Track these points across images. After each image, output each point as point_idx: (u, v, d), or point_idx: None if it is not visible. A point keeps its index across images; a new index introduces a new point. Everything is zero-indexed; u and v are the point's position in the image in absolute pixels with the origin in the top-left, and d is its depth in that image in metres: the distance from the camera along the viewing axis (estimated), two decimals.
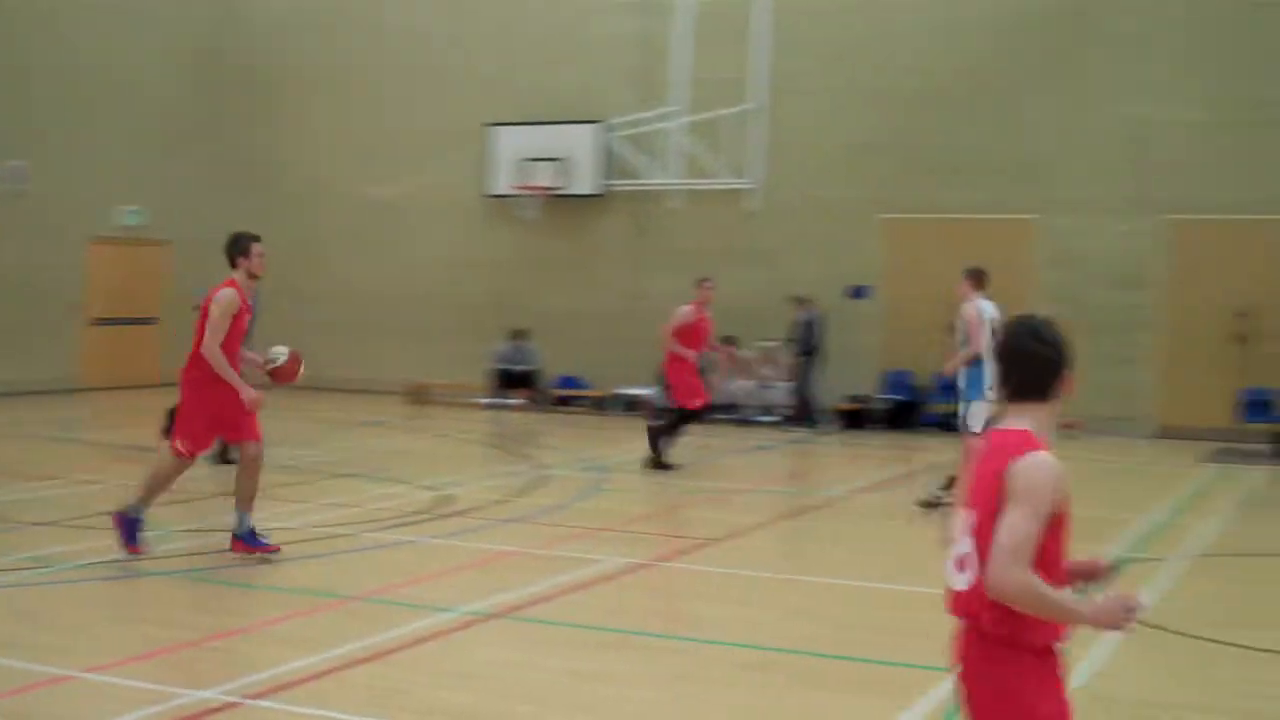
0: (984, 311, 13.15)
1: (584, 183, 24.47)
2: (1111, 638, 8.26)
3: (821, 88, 23.31)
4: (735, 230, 23.73)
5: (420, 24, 26.29)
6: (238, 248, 10.17)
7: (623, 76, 24.61)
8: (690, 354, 15.92)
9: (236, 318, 9.95)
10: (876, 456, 19.09)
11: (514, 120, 24.91)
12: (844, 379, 22.35)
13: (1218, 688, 7.43)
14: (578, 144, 24.42)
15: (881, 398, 22.18)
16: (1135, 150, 21.55)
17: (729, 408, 22.41)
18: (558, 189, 24.58)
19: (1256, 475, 17.26)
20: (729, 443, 19.66)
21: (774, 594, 9.82)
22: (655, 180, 24.19)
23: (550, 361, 23.97)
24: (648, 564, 10.30)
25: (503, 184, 24.97)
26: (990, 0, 22.54)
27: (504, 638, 8.17)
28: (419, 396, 24.46)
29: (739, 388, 22.63)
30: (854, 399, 22.27)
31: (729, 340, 22.67)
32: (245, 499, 10.05)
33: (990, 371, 13.10)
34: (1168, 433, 20.85)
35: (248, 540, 10.05)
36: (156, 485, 10.13)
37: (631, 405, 23.22)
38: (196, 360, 9.94)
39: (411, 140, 26.18)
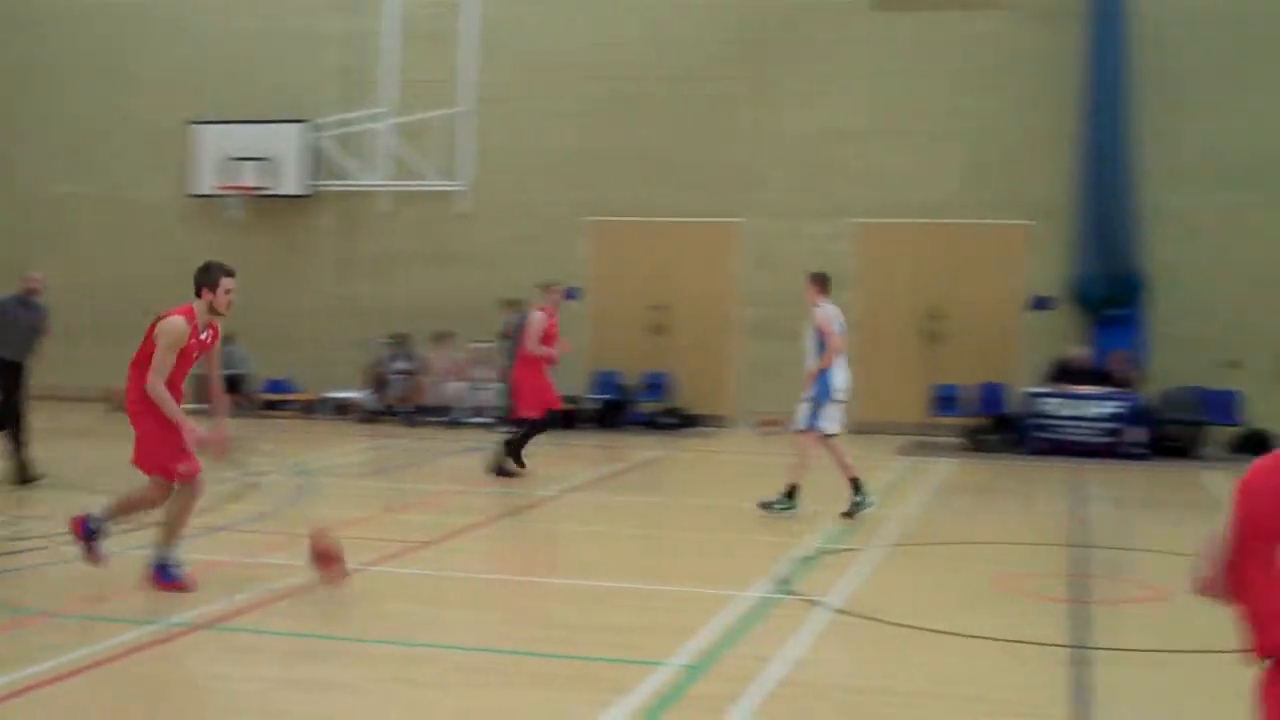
0: (832, 314, 13.21)
1: (290, 183, 24.11)
2: (810, 626, 8.64)
3: (530, 91, 23.53)
4: (446, 232, 23.75)
5: (122, 18, 25.46)
6: (206, 278, 9.31)
7: (331, 76, 24.35)
8: (552, 352, 15.91)
9: (185, 350, 9.19)
10: (587, 456, 19.36)
11: (218, 119, 24.36)
12: (554, 379, 22.53)
13: (914, 672, 7.82)
14: (284, 143, 24.06)
15: (591, 397, 22.50)
16: (830, 156, 22.45)
17: (441, 410, 22.42)
18: (264, 189, 24.17)
19: (946, 467, 18.17)
20: (441, 445, 19.67)
21: (489, 595, 9.91)
22: (364, 181, 24.01)
23: (257, 365, 23.53)
24: (361, 568, 10.25)
25: (207, 183, 24.41)
26: (694, 11, 23.13)
27: (214, 649, 8.04)
28: (122, 403, 23.68)
29: (451, 389, 22.64)
30: (564, 399, 22.46)
31: (446, 335, 22.71)
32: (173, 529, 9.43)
33: (841, 374, 13.28)
34: (865, 428, 21.72)
35: (162, 574, 9.35)
36: (129, 510, 9.47)
37: (342, 408, 22.99)
38: (134, 392, 9.30)
39: (111, 138, 25.36)
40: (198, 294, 9.37)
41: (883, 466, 18.06)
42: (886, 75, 22.44)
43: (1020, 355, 21.47)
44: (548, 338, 15.97)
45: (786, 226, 22.59)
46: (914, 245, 22.15)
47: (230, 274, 9.41)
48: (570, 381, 22.69)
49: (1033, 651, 8.28)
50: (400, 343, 23.04)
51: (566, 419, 22.33)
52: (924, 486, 16.18)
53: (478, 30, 23.54)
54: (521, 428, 16.19)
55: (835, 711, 6.99)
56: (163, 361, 9.11)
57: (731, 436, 21.87)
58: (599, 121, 23.31)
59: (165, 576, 9.29)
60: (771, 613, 9.09)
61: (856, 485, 13.22)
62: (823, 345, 13.12)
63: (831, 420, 13.21)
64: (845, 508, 13.19)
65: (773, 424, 21.78)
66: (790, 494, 13.27)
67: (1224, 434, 20.45)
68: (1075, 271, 21.55)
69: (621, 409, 22.38)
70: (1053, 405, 19.76)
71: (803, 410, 13.24)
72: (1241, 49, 21.45)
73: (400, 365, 22.96)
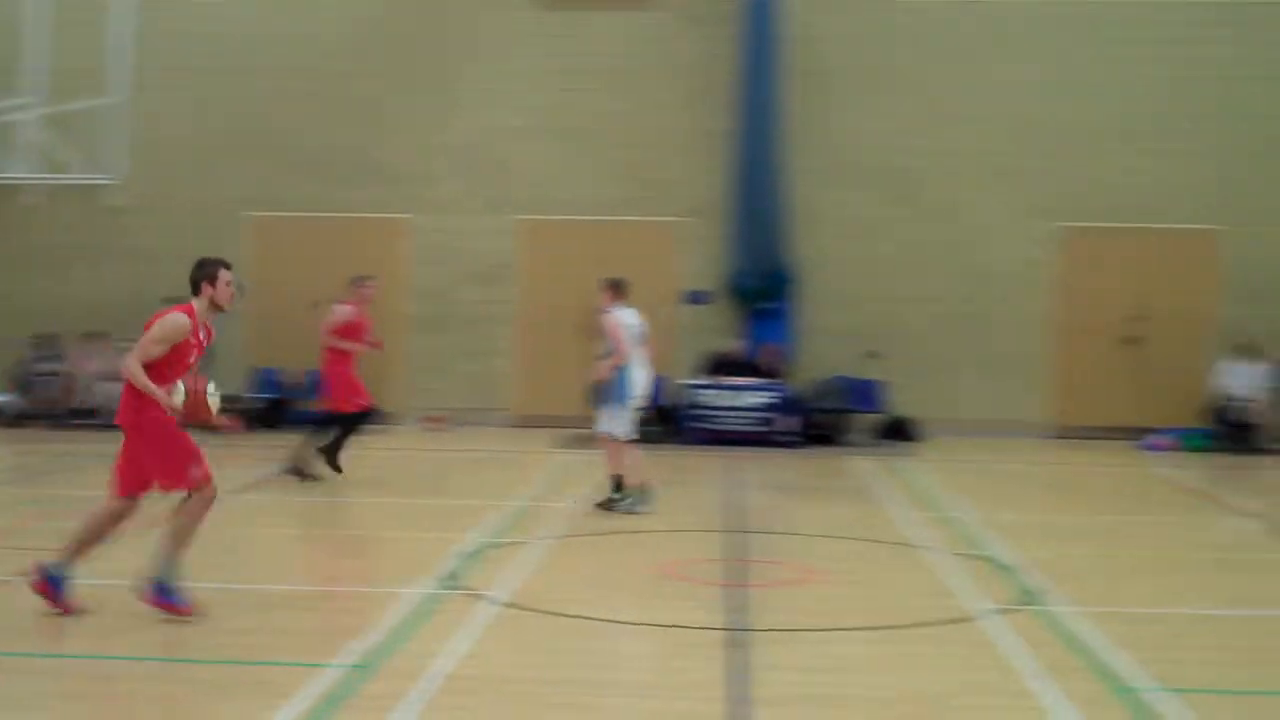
0: (624, 320, 13.56)
1: None
2: (477, 620, 8.76)
3: (190, 82, 22.90)
4: (99, 227, 22.89)
5: None
6: (204, 273, 8.87)
7: None
8: (352, 346, 15.48)
9: (180, 347, 8.67)
10: (249, 456, 18.97)
11: None
12: (213, 378, 22.01)
13: (580, 661, 8.02)
14: None
15: (251, 396, 22.05)
16: (495, 153, 22.64)
17: (89, 413, 21.58)
18: None
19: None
20: (93, 448, 18.92)
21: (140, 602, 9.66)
22: (7, 174, 22.88)
23: None
24: (9, 580, 9.86)
25: None
26: (362, 3, 22.97)
27: None
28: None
29: (103, 391, 21.82)
30: (224, 398, 21.89)
31: (98, 335, 21.84)
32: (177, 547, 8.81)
33: (638, 379, 13.61)
34: (527, 421, 22.00)
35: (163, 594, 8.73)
36: (91, 539, 8.95)
37: None
38: (133, 398, 8.73)
39: None
40: (196, 291, 8.91)
41: (544, 460, 18.33)
42: (548, 73, 22.74)
43: (678, 348, 22.06)
44: (352, 331, 15.63)
45: (453, 223, 22.65)
46: (575, 242, 22.52)
47: (228, 266, 8.98)
48: (228, 380, 22.19)
49: (693, 636, 8.59)
50: (47, 343, 22.08)
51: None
52: (586, 479, 16.47)
53: (132, 17, 22.71)
54: (334, 428, 15.71)
55: (502, 704, 7.12)
56: (148, 349, 8.62)
57: (398, 434, 21.77)
58: (263, 114, 22.85)
59: (167, 598, 8.73)
60: (438, 609, 9.16)
61: (619, 484, 13.64)
62: (610, 350, 13.59)
63: (622, 424, 13.60)
64: (601, 499, 13.75)
65: (438, 421, 21.86)
66: (619, 488, 13.60)
67: (868, 421, 21.51)
68: (729, 267, 22.28)
69: (284, 408, 22.00)
70: (709, 396, 20.40)
71: (602, 416, 13.65)
72: (885, 54, 22.54)
73: (47, 366, 22.00)
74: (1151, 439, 21.03)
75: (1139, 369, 22.28)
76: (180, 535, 8.83)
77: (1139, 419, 21.70)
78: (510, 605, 9.30)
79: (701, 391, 20.55)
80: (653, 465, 18.14)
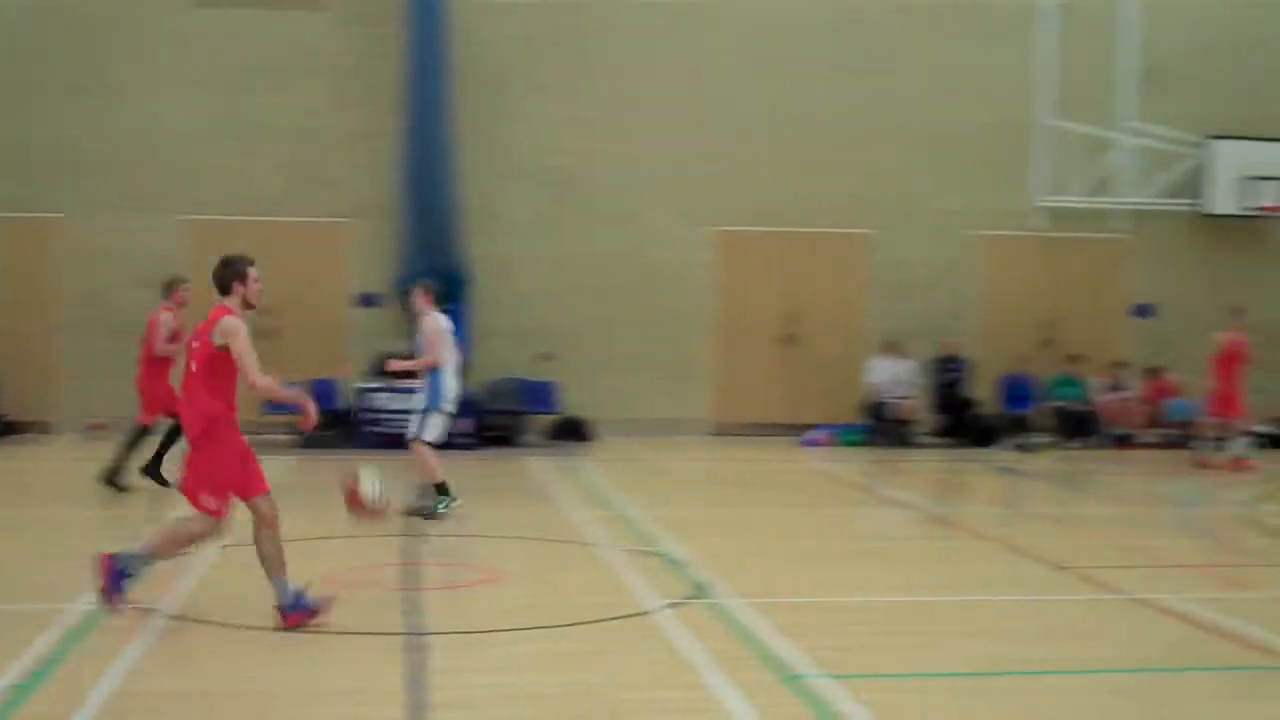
0: (442, 323, 13.37)
1: None
2: (144, 634, 8.50)
3: None
4: None
5: None
6: (233, 272, 8.70)
7: None
8: (172, 349, 14.64)
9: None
10: None
11: None
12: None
13: (253, 673, 7.89)
14: None
15: None
16: (155, 153, 21.94)
17: None
18: None
19: (278, 466, 18.11)
20: None
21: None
22: None
23: None
24: None
25: None
26: None
27: None
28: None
29: None
30: None
31: None
32: (277, 563, 8.83)
33: (451, 384, 13.37)
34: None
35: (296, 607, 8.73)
36: (174, 546, 8.93)
37: None
38: (203, 408, 8.67)
39: None
40: (226, 290, 8.63)
41: None
42: (210, 71, 22.13)
43: (350, 351, 21.84)
44: (175, 338, 14.82)
45: (112, 223, 21.79)
46: (243, 243, 21.46)
47: (253, 262, 8.67)
48: None
49: (370, 642, 8.56)
50: None
51: None
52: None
53: None
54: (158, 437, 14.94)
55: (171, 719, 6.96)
56: (251, 356, 8.45)
57: (58, 443, 20.82)
58: None
59: (297, 607, 8.73)
60: (102, 624, 8.85)
61: (443, 489, 13.55)
62: (424, 351, 13.45)
63: (434, 429, 13.49)
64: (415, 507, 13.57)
65: (100, 427, 21.00)
66: (442, 490, 13.48)
67: (542, 422, 21.74)
68: (400, 268, 22.13)
69: None
70: (381, 400, 20.24)
71: (414, 420, 13.58)
72: (550, 58, 22.77)
73: None
74: (810, 435, 21.93)
75: (796, 367, 23.18)
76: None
77: (798, 416, 22.58)
78: (178, 618, 9.07)
79: (373, 395, 20.38)
80: (325, 471, 17.96)
